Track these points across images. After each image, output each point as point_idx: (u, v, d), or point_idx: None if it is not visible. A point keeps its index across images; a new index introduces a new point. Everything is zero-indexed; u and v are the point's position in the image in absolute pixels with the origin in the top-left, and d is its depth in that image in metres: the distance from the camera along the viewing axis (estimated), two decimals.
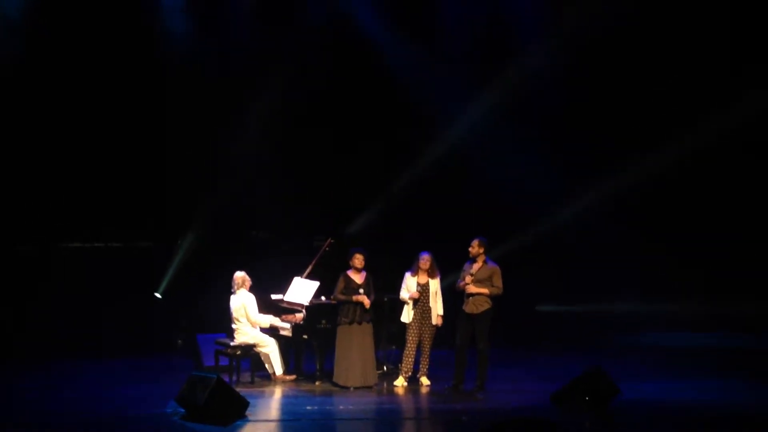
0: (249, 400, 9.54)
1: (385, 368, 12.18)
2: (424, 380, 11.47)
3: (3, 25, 14.44)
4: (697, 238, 15.96)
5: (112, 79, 15.03)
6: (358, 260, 11.42)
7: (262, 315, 11.78)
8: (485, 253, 11.03)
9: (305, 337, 11.73)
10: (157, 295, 15.49)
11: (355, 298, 11.29)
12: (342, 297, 11.35)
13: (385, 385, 11.47)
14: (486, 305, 10.96)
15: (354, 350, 11.29)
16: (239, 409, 9.35)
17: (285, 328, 11.79)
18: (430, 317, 11.33)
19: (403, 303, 11.40)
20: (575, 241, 16.39)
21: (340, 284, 11.41)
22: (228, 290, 11.91)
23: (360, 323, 11.35)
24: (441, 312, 11.38)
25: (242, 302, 11.62)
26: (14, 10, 14.51)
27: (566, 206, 16.26)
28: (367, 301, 11.31)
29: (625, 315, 16.69)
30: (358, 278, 11.43)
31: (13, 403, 10.48)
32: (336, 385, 11.32)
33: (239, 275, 11.74)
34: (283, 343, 11.93)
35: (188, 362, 13.04)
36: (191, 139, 15.33)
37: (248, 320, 11.61)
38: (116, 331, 14.84)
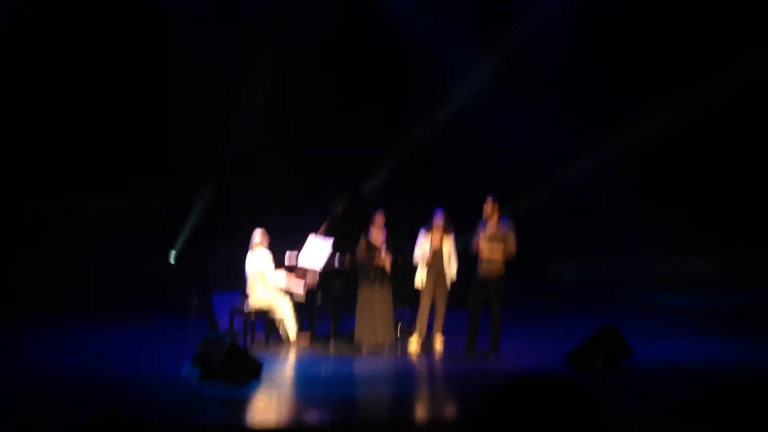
0: (263, 362, 9.58)
1: (399, 329, 12.20)
2: (438, 341, 11.48)
3: None
4: (710, 195, 15.92)
5: (118, 32, 14.98)
6: (379, 219, 11.42)
7: (278, 274, 11.73)
8: (498, 211, 10.85)
9: (318, 303, 11.78)
10: (173, 253, 15.52)
11: (376, 262, 11.28)
12: (364, 259, 11.35)
13: (399, 346, 11.50)
14: (500, 270, 10.85)
15: (374, 311, 11.33)
16: (254, 371, 9.40)
17: (298, 294, 11.77)
18: (444, 278, 11.31)
19: (417, 264, 11.39)
20: (586, 202, 16.35)
21: (361, 245, 11.42)
22: (241, 248, 11.88)
23: (380, 284, 11.37)
24: (454, 274, 11.33)
25: (258, 262, 11.60)
26: None
27: (581, 167, 16.18)
28: (386, 263, 11.32)
29: (639, 275, 16.67)
30: (378, 238, 11.42)
31: (25, 360, 10.52)
32: (354, 345, 11.35)
33: (257, 233, 11.70)
34: (296, 306, 11.94)
35: (203, 323, 13.09)
36: (203, 96, 15.31)
37: (264, 282, 11.59)
38: (130, 290, 14.92)
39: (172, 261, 15.54)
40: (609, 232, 16.18)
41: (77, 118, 15.30)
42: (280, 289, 11.74)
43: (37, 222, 15.46)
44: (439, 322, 11.43)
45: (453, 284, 11.35)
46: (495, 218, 10.86)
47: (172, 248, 15.65)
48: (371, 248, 11.37)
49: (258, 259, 11.61)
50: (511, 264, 10.94)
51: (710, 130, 15.80)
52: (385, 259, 11.32)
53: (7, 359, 10.53)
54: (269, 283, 11.62)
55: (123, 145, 15.54)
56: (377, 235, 11.45)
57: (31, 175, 15.41)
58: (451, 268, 11.29)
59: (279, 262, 11.87)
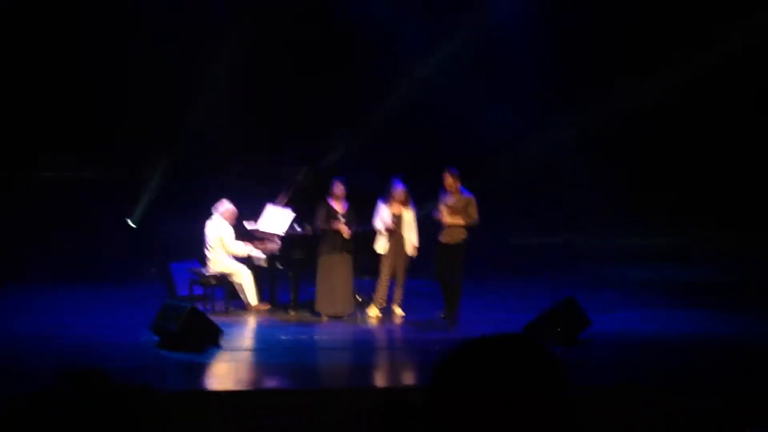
0: (223, 329, 9.57)
1: (359, 298, 12.22)
2: (398, 310, 11.53)
3: None
4: (667, 168, 16.12)
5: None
6: (339, 189, 11.39)
7: (238, 243, 11.72)
8: (459, 183, 11.01)
9: (280, 267, 11.72)
10: (130, 223, 15.41)
11: (334, 226, 11.27)
12: (325, 226, 11.33)
13: (359, 315, 11.52)
14: (462, 235, 11.00)
15: (335, 280, 11.32)
16: (214, 338, 9.39)
17: (260, 258, 11.77)
18: (404, 247, 11.34)
19: (376, 233, 11.40)
20: (547, 173, 16.47)
21: (321, 213, 11.38)
22: (198, 217, 11.83)
23: (341, 252, 11.35)
24: (416, 242, 11.39)
25: (218, 230, 11.57)
26: None
27: (538, 139, 16.28)
28: (346, 231, 11.30)
29: (596, 246, 16.85)
30: (339, 207, 11.41)
31: None
32: (314, 313, 11.36)
33: (224, 205, 11.65)
34: (257, 272, 11.92)
35: (162, 290, 13.02)
36: (160, 63, 15.14)
37: (224, 249, 11.57)
38: (89, 258, 14.80)
39: (132, 225, 15.44)
40: (572, 206, 16.31)
41: (38, 85, 15.07)
42: (240, 255, 11.71)
43: None
44: (398, 292, 11.50)
45: (414, 256, 11.39)
46: (456, 190, 11.00)
47: (130, 217, 15.54)
48: (331, 217, 11.35)
49: (218, 226, 11.57)
50: (472, 232, 11.03)
51: (671, 107, 15.94)
52: (345, 228, 11.30)
53: None
54: (230, 249, 11.59)
55: (84, 113, 15.34)
56: (338, 204, 11.43)
57: None
58: (412, 236, 11.32)
59: (238, 233, 11.82)
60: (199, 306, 10.39)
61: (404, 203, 11.33)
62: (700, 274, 15.46)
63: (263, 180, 14.82)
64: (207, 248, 11.65)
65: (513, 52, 16.02)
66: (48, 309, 11.91)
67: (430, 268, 11.47)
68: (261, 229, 11.90)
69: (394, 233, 11.30)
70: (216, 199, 11.86)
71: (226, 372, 8.86)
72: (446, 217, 10.98)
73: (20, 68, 14.90)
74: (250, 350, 9.84)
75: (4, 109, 14.97)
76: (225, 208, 11.66)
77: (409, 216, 11.32)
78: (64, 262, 14.61)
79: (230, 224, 11.65)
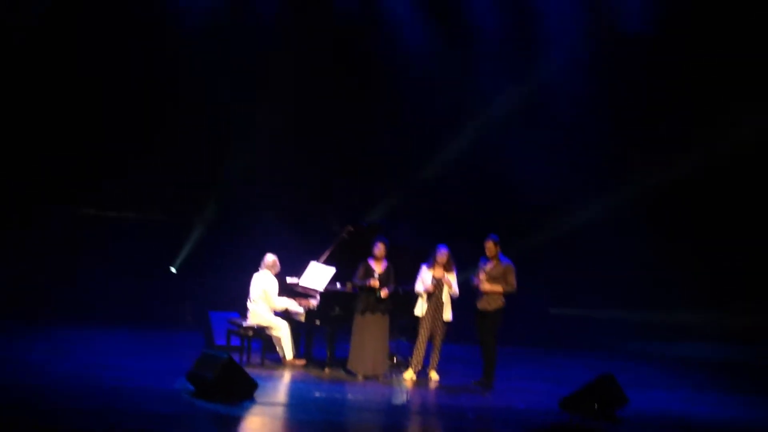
0: (258, 381, 9.54)
1: (394, 360, 12.16)
2: (434, 375, 11.44)
3: None
4: (710, 246, 15.93)
5: (129, 46, 15.11)
6: (379, 249, 11.41)
7: (281, 298, 11.77)
8: (499, 250, 11.09)
9: (318, 322, 11.72)
10: (172, 269, 15.53)
11: (369, 283, 11.27)
12: (358, 283, 11.34)
13: (394, 376, 11.45)
14: (499, 302, 11.03)
15: (368, 339, 11.29)
16: (248, 390, 9.37)
17: (299, 312, 11.78)
18: (443, 312, 11.31)
19: (416, 295, 11.38)
20: (589, 244, 16.36)
21: (360, 271, 11.41)
22: (243, 269, 11.91)
23: (375, 313, 11.34)
24: (450, 315, 11.30)
25: (264, 283, 11.62)
26: None
27: (582, 209, 16.22)
28: (380, 287, 11.29)
29: (636, 322, 16.63)
30: (378, 267, 11.42)
31: (18, 366, 10.45)
32: (348, 371, 11.32)
33: (270, 258, 11.74)
34: (295, 327, 11.92)
35: (199, 338, 13.06)
36: (207, 113, 15.38)
37: (268, 302, 11.61)
38: (127, 301, 14.90)
39: (174, 270, 15.56)
40: (613, 278, 16.14)
41: (85, 121, 15.35)
42: (281, 309, 11.73)
43: (42, 227, 15.46)
44: (435, 356, 11.42)
45: (449, 322, 11.36)
46: (496, 257, 11.07)
47: (172, 263, 15.66)
48: (369, 276, 11.36)
49: (265, 279, 11.64)
50: (512, 299, 11.01)
51: (720, 182, 15.81)
52: (384, 289, 11.29)
53: None
54: (273, 304, 11.63)
55: (131, 153, 15.57)
56: (377, 264, 11.44)
57: (39, 181, 15.45)
58: (447, 311, 11.28)
59: (280, 288, 11.86)
60: (236, 357, 10.38)
61: (447, 267, 11.31)
62: (748, 354, 15.17)
63: (307, 233, 14.88)
64: (249, 300, 11.70)
65: (564, 114, 16.07)
66: (85, 350, 11.98)
67: (467, 334, 11.41)
68: (302, 284, 11.92)
69: (434, 297, 11.27)
70: (259, 250, 11.92)
71: (258, 426, 8.81)
72: (484, 284, 11.02)
73: (68, 103, 15.16)
74: (284, 405, 9.79)
75: (51, 142, 15.21)
76: (271, 261, 11.75)
77: (450, 281, 11.28)
78: (104, 303, 14.71)
79: (273, 275, 11.72)
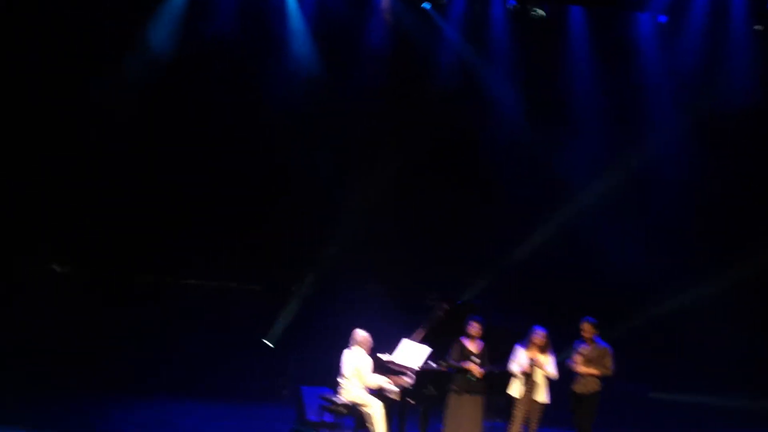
0: None
1: None
2: None
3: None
4: None
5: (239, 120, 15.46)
6: (475, 329, 11.32)
7: (375, 375, 11.68)
8: (596, 332, 11.02)
9: (411, 401, 11.60)
10: (268, 342, 15.62)
11: (465, 365, 11.15)
12: (454, 364, 11.24)
13: None
14: (595, 386, 10.91)
15: (464, 420, 11.14)
16: None
17: (392, 391, 11.67)
18: (538, 394, 11.10)
19: (511, 375, 11.20)
20: (694, 326, 15.92)
21: (455, 351, 11.32)
22: (336, 344, 11.87)
23: (471, 393, 11.20)
24: (546, 398, 11.10)
25: (357, 360, 11.55)
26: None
27: (684, 292, 15.86)
28: (477, 370, 11.16)
29: (738, 409, 16.02)
30: (473, 347, 11.31)
31: None
32: None
33: (362, 334, 11.64)
34: (388, 405, 11.80)
35: (291, 413, 13.04)
36: (312, 185, 15.60)
37: (361, 380, 11.51)
38: (221, 373, 15.00)
39: (270, 345, 15.65)
40: (718, 366, 15.62)
41: (193, 193, 15.69)
42: (375, 387, 11.62)
43: (141, 298, 15.75)
44: None
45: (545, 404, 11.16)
46: (592, 340, 11.01)
47: (268, 336, 15.75)
48: (465, 357, 11.25)
49: (357, 356, 11.57)
50: (610, 383, 10.85)
51: None
52: (477, 368, 11.16)
53: None
54: (366, 381, 11.53)
55: (231, 231, 15.84)
56: (472, 344, 11.33)
57: (138, 251, 15.80)
58: (542, 393, 11.08)
59: (374, 366, 11.78)
60: None
61: (543, 349, 11.13)
62: None
63: (402, 310, 14.82)
64: (342, 377, 11.63)
65: (663, 197, 15.87)
66: (176, 421, 12.05)
67: (563, 417, 11.16)
68: (396, 362, 11.82)
69: (530, 378, 11.08)
70: (353, 325, 11.88)
71: None
72: (580, 367, 10.90)
73: (172, 177, 15.52)
74: None
75: (159, 213, 15.57)
76: (362, 337, 11.66)
77: (547, 363, 11.08)
78: (202, 374, 14.83)
79: (366, 352, 11.63)
